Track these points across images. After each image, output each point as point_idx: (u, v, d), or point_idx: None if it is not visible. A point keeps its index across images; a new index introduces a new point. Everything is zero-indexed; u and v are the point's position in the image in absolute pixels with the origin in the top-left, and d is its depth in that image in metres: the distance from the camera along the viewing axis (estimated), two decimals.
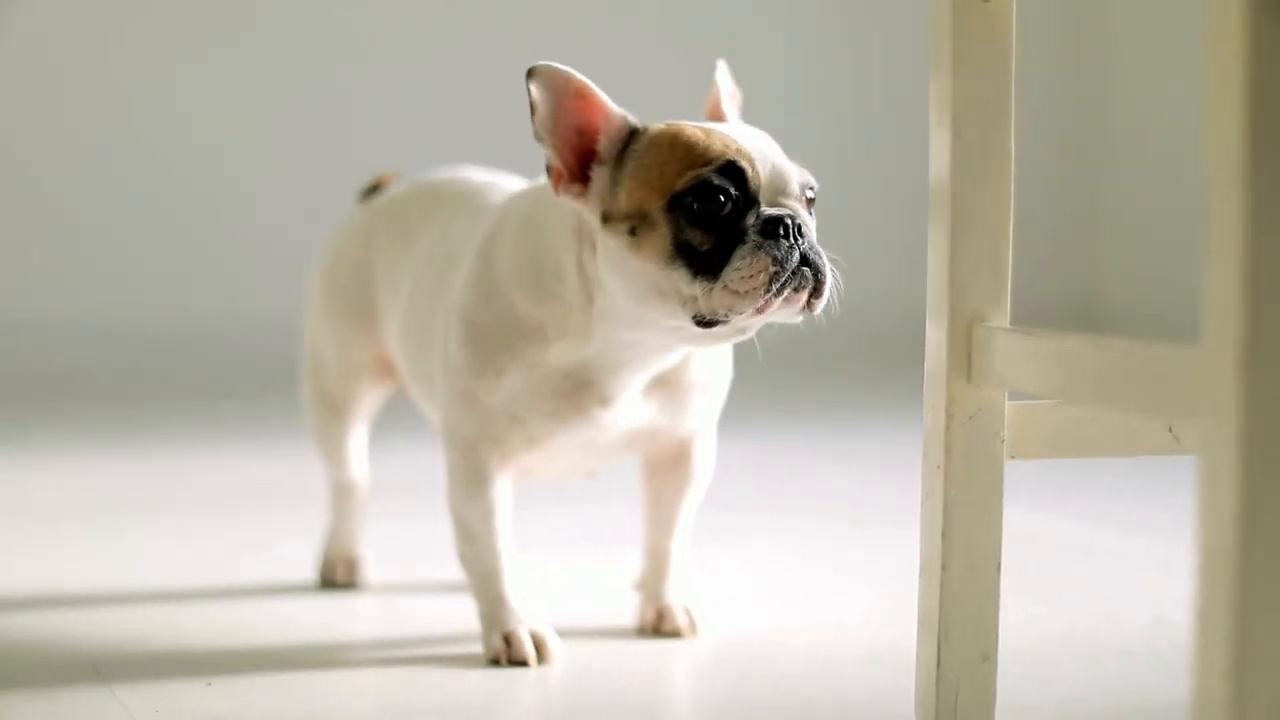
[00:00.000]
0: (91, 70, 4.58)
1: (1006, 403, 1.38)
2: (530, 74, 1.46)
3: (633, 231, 1.46)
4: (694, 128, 1.50)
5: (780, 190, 1.47)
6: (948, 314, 1.37)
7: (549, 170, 1.51)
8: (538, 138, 1.48)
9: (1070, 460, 1.68)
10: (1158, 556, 2.22)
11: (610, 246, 1.48)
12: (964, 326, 1.37)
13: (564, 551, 2.22)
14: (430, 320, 1.71)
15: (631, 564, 1.95)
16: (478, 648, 1.71)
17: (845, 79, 5.03)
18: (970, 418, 1.37)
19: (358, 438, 2.01)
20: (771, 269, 1.42)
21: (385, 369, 1.95)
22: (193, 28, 4.66)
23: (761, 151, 1.49)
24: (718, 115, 1.61)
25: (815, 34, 5.06)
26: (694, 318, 1.46)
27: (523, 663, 1.65)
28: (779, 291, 1.43)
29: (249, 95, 4.70)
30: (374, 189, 2.01)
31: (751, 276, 1.42)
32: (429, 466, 2.77)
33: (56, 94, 4.57)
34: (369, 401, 1.99)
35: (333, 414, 1.98)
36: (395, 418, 2.12)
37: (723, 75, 1.63)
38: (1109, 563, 2.20)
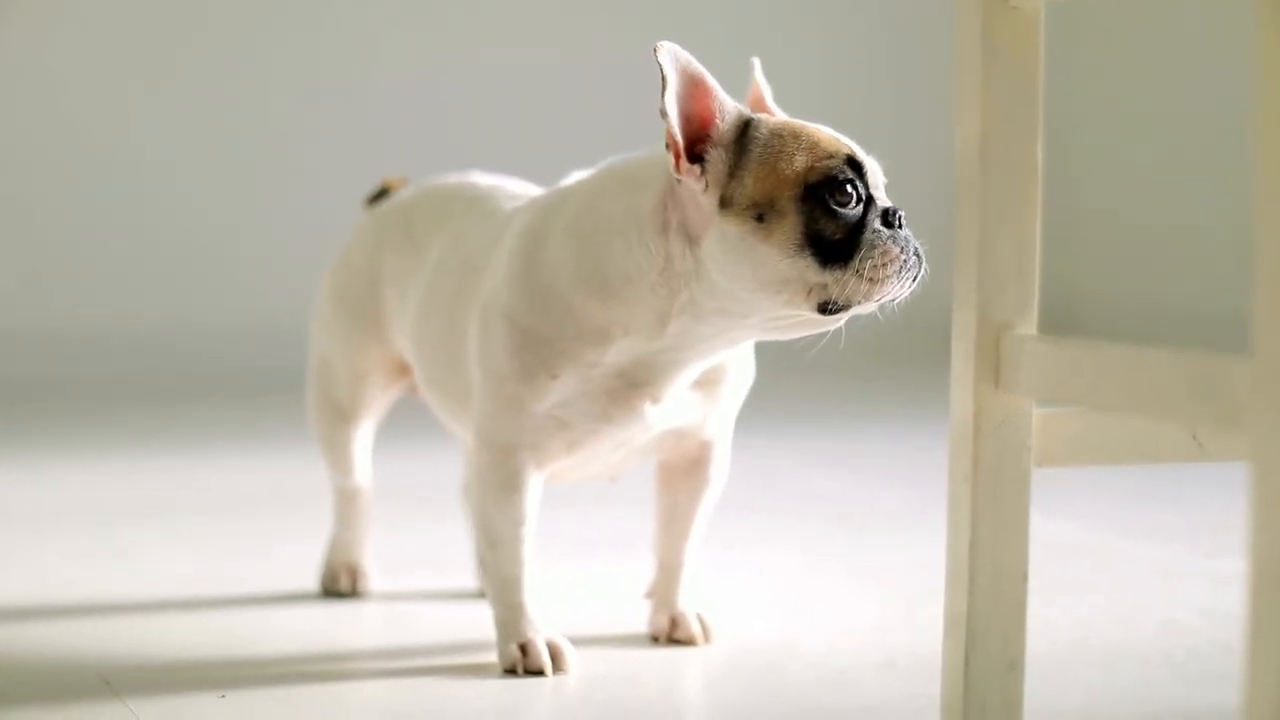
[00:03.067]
0: (82, 70, 4.54)
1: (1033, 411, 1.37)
2: (658, 50, 1.46)
3: (760, 218, 1.47)
4: (805, 124, 1.53)
5: (874, 184, 1.52)
6: (975, 321, 1.36)
7: (668, 147, 1.49)
8: (663, 113, 1.47)
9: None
10: (1165, 558, 2.22)
11: (731, 233, 1.48)
12: (991, 334, 1.36)
13: (572, 554, 2.20)
14: (450, 328, 1.70)
15: (641, 566, 1.94)
16: (490, 656, 1.69)
17: (864, 73, 5.02)
18: (997, 426, 1.36)
19: (364, 444, 2.00)
20: (901, 257, 1.48)
21: (394, 374, 1.93)
22: (186, 28, 4.63)
23: (858, 148, 1.53)
24: (764, 111, 1.61)
25: (835, 29, 5.06)
26: (819, 304, 1.48)
27: (539, 672, 1.63)
28: (902, 277, 1.49)
29: (243, 100, 4.67)
30: (381, 195, 1.99)
31: (885, 265, 1.48)
32: (427, 469, 2.76)
33: (45, 97, 4.54)
34: (377, 408, 1.97)
35: (340, 420, 1.97)
36: (394, 420, 2.10)
37: (760, 75, 1.64)
38: (1117, 565, 2.20)
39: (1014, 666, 1.38)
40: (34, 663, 1.72)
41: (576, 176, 1.68)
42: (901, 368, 4.05)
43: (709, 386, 1.66)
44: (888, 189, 1.55)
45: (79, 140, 4.54)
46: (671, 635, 1.76)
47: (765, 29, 5.03)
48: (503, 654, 1.66)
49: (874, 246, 1.48)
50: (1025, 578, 1.38)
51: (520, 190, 1.81)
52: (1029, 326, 1.37)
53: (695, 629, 1.75)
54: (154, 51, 4.58)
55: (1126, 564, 2.21)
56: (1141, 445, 1.39)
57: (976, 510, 1.37)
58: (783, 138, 1.50)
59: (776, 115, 1.60)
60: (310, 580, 2.06)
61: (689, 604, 1.78)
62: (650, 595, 1.80)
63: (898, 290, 1.49)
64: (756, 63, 1.64)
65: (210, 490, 2.82)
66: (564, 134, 4.73)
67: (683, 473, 1.75)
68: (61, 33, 4.51)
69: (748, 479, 2.59)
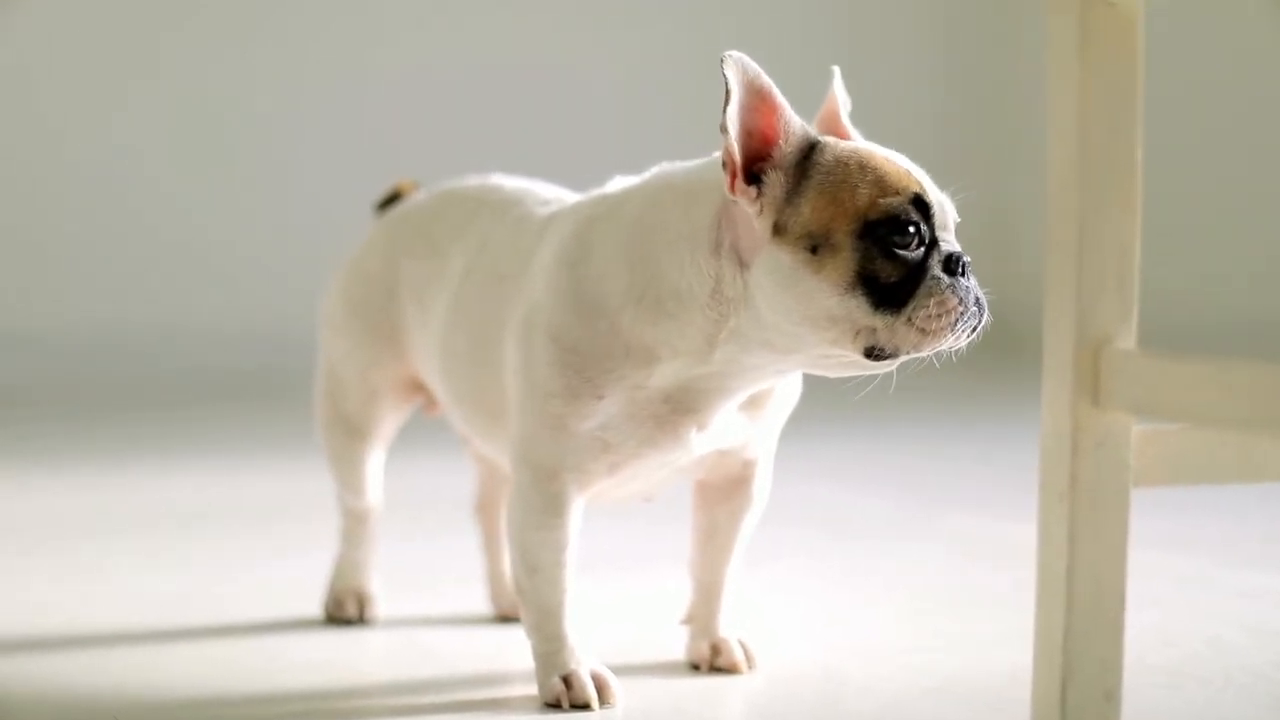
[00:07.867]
0: (78, 75, 4.45)
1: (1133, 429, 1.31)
2: (724, 60, 1.37)
3: (814, 250, 1.39)
4: (875, 153, 1.43)
5: (943, 225, 1.43)
6: (1073, 336, 1.29)
7: (725, 165, 1.41)
8: (723, 128, 1.38)
9: None
10: (1194, 572, 2.16)
11: (782, 261, 1.40)
12: (1090, 349, 1.29)
13: (602, 573, 2.09)
14: (481, 341, 1.60)
15: (673, 586, 1.85)
16: (522, 688, 1.60)
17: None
18: (1096, 445, 1.29)
19: (376, 462, 1.89)
20: (959, 309, 1.39)
21: (409, 389, 1.83)
22: (183, 30, 4.54)
23: (930, 184, 1.44)
24: (836, 129, 1.51)
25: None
26: (866, 348, 1.39)
27: (584, 706, 1.54)
28: (958, 330, 1.39)
29: (239, 102, 4.59)
30: (393, 199, 1.88)
31: (940, 316, 1.39)
32: (428, 481, 2.65)
33: (40, 101, 4.45)
34: (390, 424, 1.86)
35: (352, 438, 1.86)
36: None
37: (839, 86, 1.53)
38: (1149, 580, 2.13)
39: (1111, 696, 1.32)
40: (36, 698, 1.61)
41: (620, 182, 1.58)
42: (927, 376, 3.97)
43: (754, 408, 1.58)
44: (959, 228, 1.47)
45: (71, 144, 4.45)
46: (713, 663, 1.67)
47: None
48: (544, 687, 1.56)
49: (930, 295, 1.39)
50: (1124, 603, 1.32)
51: (551, 194, 1.71)
52: (1128, 339, 1.30)
53: (739, 656, 1.67)
54: (150, 54, 4.52)
55: (1159, 579, 2.14)
56: (1240, 464, 1.33)
57: (1075, 532, 1.30)
58: (848, 166, 1.41)
59: (849, 134, 1.51)
60: (309, 603, 1.95)
61: (730, 629, 1.69)
62: (689, 621, 1.71)
63: (952, 342, 1.41)
64: (836, 72, 1.54)
65: (190, 503, 2.71)
66: (574, 134, 4.65)
67: (723, 492, 1.67)
68: (57, 36, 4.41)
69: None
